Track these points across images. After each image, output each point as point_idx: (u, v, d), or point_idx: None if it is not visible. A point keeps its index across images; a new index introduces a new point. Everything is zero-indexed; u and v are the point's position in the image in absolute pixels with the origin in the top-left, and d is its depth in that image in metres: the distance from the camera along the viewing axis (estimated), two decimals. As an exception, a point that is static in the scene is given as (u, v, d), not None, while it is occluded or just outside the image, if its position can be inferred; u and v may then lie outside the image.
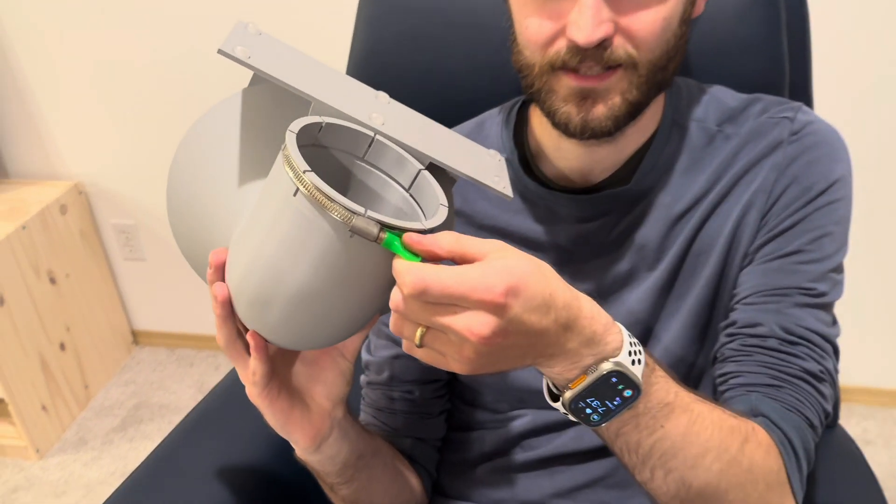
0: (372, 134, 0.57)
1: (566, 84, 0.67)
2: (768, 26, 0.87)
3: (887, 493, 0.90)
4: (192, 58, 1.73)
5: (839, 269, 0.74)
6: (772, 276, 0.73)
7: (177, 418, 1.96)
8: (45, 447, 1.90)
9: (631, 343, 0.57)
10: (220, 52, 0.53)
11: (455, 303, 0.49)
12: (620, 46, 0.65)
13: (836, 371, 0.73)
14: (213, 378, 2.10)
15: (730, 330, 0.74)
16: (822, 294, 0.72)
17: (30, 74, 1.86)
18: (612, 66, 0.66)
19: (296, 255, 0.51)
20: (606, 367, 0.55)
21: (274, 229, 0.52)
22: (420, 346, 0.52)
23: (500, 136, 0.82)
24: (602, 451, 0.81)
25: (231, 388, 1.03)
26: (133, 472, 0.89)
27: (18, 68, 1.85)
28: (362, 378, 0.89)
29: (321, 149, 0.57)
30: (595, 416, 0.58)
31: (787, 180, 0.73)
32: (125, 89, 1.83)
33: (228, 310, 0.59)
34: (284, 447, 0.70)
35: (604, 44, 0.64)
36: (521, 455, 0.85)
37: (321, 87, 0.57)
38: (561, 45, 0.66)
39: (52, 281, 1.91)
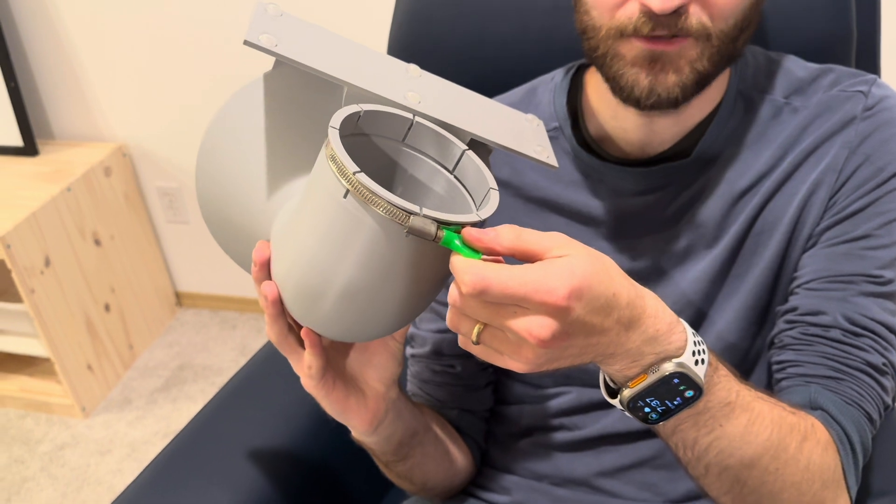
0: (411, 117, 0.55)
1: (635, 47, 0.64)
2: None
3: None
4: (238, 19, 1.72)
5: None
6: (837, 262, 0.69)
7: (219, 380, 1.99)
8: (90, 406, 1.94)
9: (695, 342, 0.54)
10: (246, 42, 0.52)
11: (516, 303, 0.47)
12: (695, 15, 0.62)
13: None
14: (256, 340, 2.11)
15: (790, 316, 0.71)
16: (890, 282, 0.69)
17: (75, 36, 1.86)
18: (683, 34, 0.63)
19: (346, 252, 0.50)
20: (669, 367, 0.53)
21: (321, 228, 0.50)
22: (477, 343, 0.51)
23: (553, 103, 0.79)
24: (650, 432, 0.79)
25: (273, 354, 1.03)
26: (173, 440, 0.90)
27: (64, 30, 1.85)
28: (407, 350, 0.88)
29: (361, 136, 0.55)
30: (654, 415, 0.56)
31: (859, 159, 0.70)
32: (170, 51, 1.82)
33: (279, 308, 0.58)
34: (324, 419, 0.70)
35: (679, 10, 0.61)
36: (566, 433, 0.84)
37: (353, 70, 0.55)
38: (632, 10, 0.63)
39: (97, 243, 1.93)
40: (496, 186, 0.53)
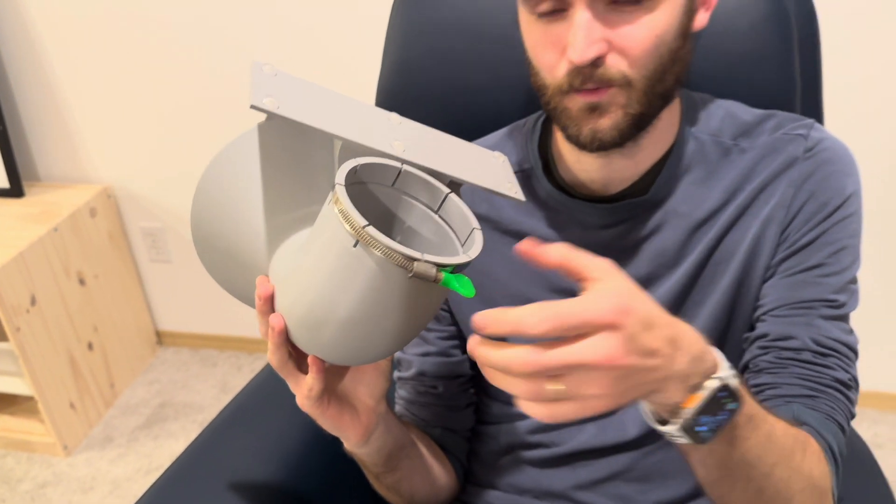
0: (399, 165, 0.61)
1: (576, 101, 0.71)
2: (780, 41, 0.91)
3: (897, 497, 0.93)
4: (222, 64, 1.77)
5: (854, 280, 0.78)
6: (797, 289, 0.76)
7: (200, 417, 2.01)
8: (72, 444, 1.95)
9: (723, 356, 0.58)
10: (252, 107, 0.56)
11: (578, 331, 0.49)
12: (614, 66, 0.68)
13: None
14: (236, 378, 2.15)
15: (762, 342, 0.77)
16: (843, 305, 0.76)
17: (62, 79, 1.90)
18: (607, 84, 0.69)
19: (349, 291, 0.55)
20: (713, 383, 0.56)
21: (327, 269, 0.55)
22: (562, 398, 0.51)
23: (526, 146, 0.85)
24: (622, 447, 0.85)
25: (258, 388, 1.06)
26: (161, 475, 0.92)
27: (52, 73, 1.90)
28: (395, 373, 0.94)
29: (358, 185, 0.60)
30: (706, 434, 0.58)
31: (805, 196, 0.77)
32: (154, 94, 1.87)
33: (284, 337, 0.63)
34: (316, 447, 0.72)
35: (597, 62, 0.67)
36: (543, 450, 0.89)
37: (346, 124, 0.61)
38: (564, 67, 0.69)
39: (82, 282, 1.96)
40: (479, 226, 0.59)
